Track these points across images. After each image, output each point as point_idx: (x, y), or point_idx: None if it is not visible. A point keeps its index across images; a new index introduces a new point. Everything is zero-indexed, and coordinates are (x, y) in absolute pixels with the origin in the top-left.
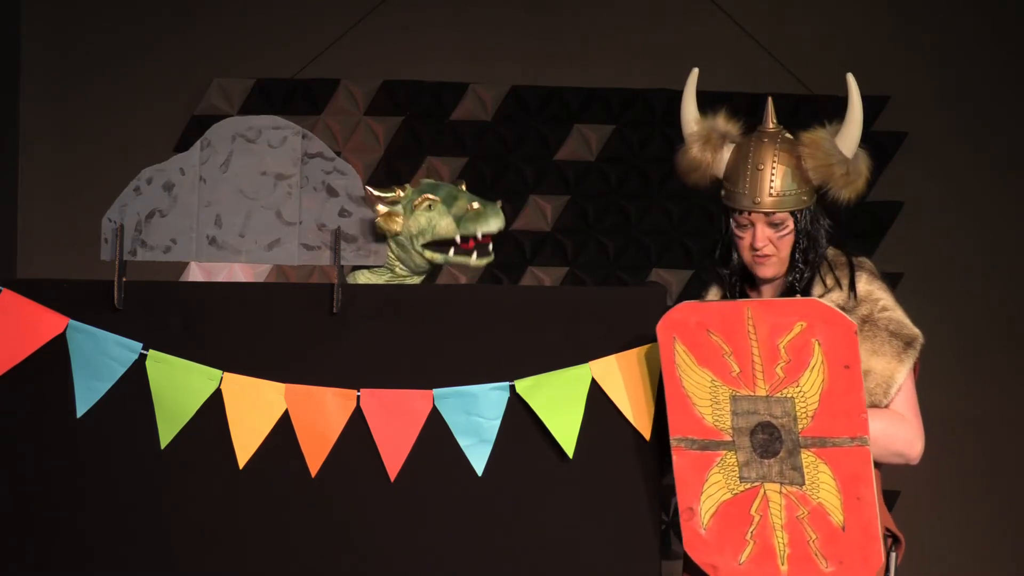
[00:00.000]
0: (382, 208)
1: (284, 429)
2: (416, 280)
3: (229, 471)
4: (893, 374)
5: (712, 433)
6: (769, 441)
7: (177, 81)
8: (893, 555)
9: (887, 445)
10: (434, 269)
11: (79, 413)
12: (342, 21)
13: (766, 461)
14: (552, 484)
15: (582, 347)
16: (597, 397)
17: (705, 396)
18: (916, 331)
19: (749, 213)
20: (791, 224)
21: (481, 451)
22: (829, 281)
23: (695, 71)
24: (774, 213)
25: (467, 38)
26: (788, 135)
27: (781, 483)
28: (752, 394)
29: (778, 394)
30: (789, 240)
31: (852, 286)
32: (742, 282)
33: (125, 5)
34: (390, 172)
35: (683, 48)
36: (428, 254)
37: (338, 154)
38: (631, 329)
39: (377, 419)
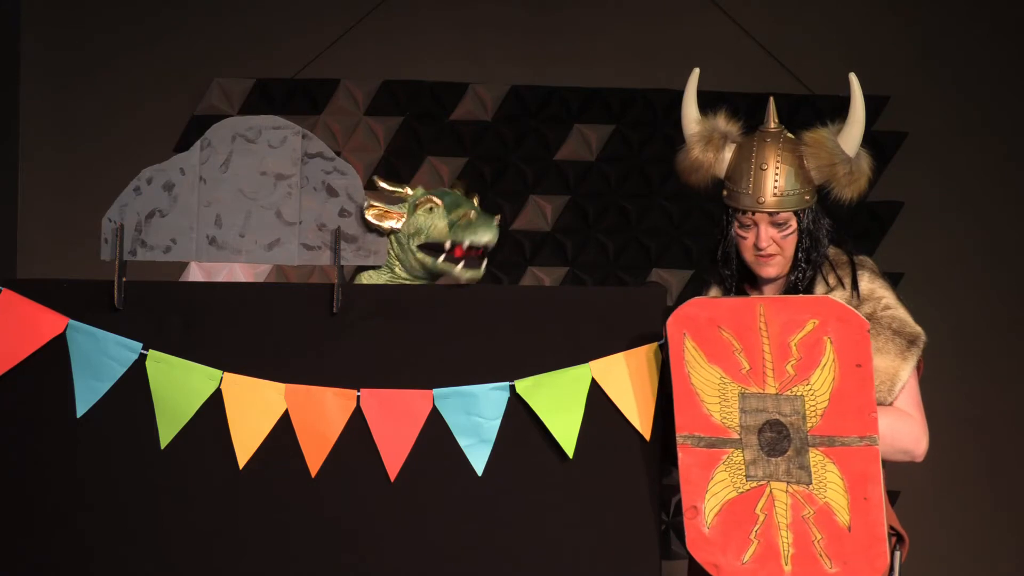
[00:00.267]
0: (376, 205)
1: (284, 429)
2: (415, 283)
3: (229, 471)
4: (897, 372)
5: (719, 431)
6: (777, 439)
7: (177, 81)
8: (897, 554)
9: (893, 443)
10: (429, 275)
11: (79, 413)
12: (342, 21)
13: (773, 460)
14: (552, 484)
15: (582, 347)
16: (597, 397)
17: (713, 393)
18: (919, 329)
19: (753, 213)
20: (794, 224)
21: (481, 451)
22: (831, 280)
23: (696, 71)
24: (778, 213)
25: (467, 38)
26: (790, 135)
27: (788, 482)
28: (761, 392)
29: (788, 392)
30: (792, 240)
31: (855, 285)
32: (742, 282)
33: (125, 5)
34: (390, 172)
35: (683, 48)
36: (420, 255)
37: (338, 154)
38: (631, 329)
39: (377, 419)
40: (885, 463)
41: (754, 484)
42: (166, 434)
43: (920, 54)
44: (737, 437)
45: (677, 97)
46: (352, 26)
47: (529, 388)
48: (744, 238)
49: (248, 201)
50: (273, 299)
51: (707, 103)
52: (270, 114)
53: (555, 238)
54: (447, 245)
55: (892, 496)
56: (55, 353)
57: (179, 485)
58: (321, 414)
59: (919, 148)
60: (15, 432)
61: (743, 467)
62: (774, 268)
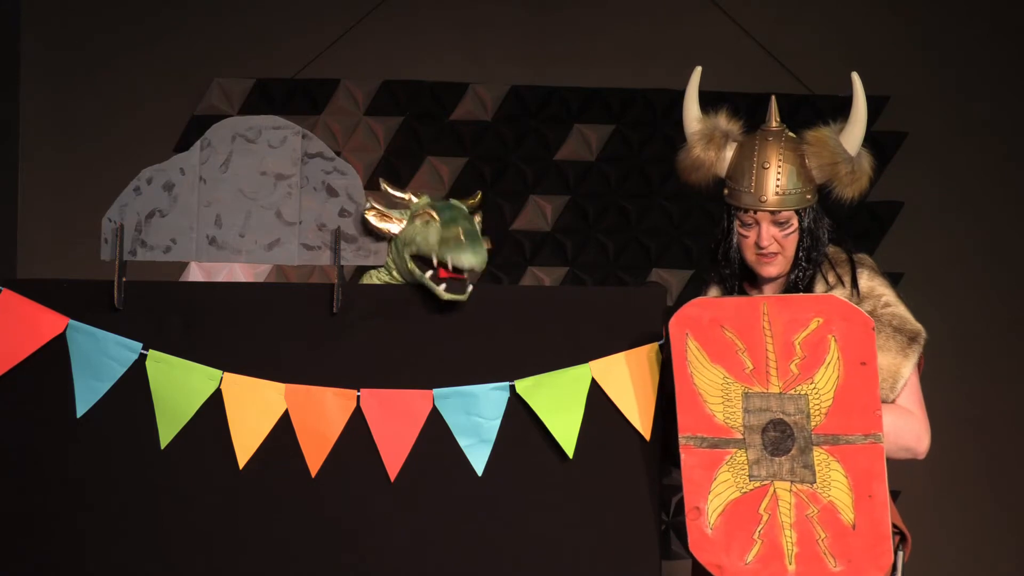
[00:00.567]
0: (376, 207)
1: (284, 429)
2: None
3: (229, 471)
4: (899, 369)
5: (722, 431)
6: (781, 439)
7: (177, 81)
8: (900, 553)
9: (895, 440)
10: (419, 285)
11: (79, 413)
12: (342, 21)
13: (777, 459)
14: (552, 484)
15: (582, 347)
16: (597, 397)
17: (716, 393)
18: (919, 326)
19: (754, 212)
20: (795, 223)
21: (481, 451)
22: (831, 278)
23: (698, 70)
24: (779, 212)
25: (467, 38)
26: (791, 134)
27: (791, 481)
28: (765, 391)
29: (792, 391)
30: (794, 239)
31: (855, 283)
32: (742, 281)
33: (125, 5)
34: (390, 172)
35: (683, 48)
36: (411, 265)
37: (338, 154)
38: (631, 329)
39: (377, 419)
40: (887, 461)
41: (757, 484)
42: (166, 434)
43: (920, 54)
44: (740, 437)
45: (677, 97)
46: (352, 26)
47: (529, 388)
48: (745, 237)
49: (248, 201)
50: (273, 299)
51: (707, 103)
52: (270, 114)
53: (555, 238)
54: (434, 261)
55: (892, 495)
56: (55, 353)
57: (179, 485)
58: (321, 414)
59: (919, 148)
60: (15, 432)
61: (746, 467)
62: (775, 267)
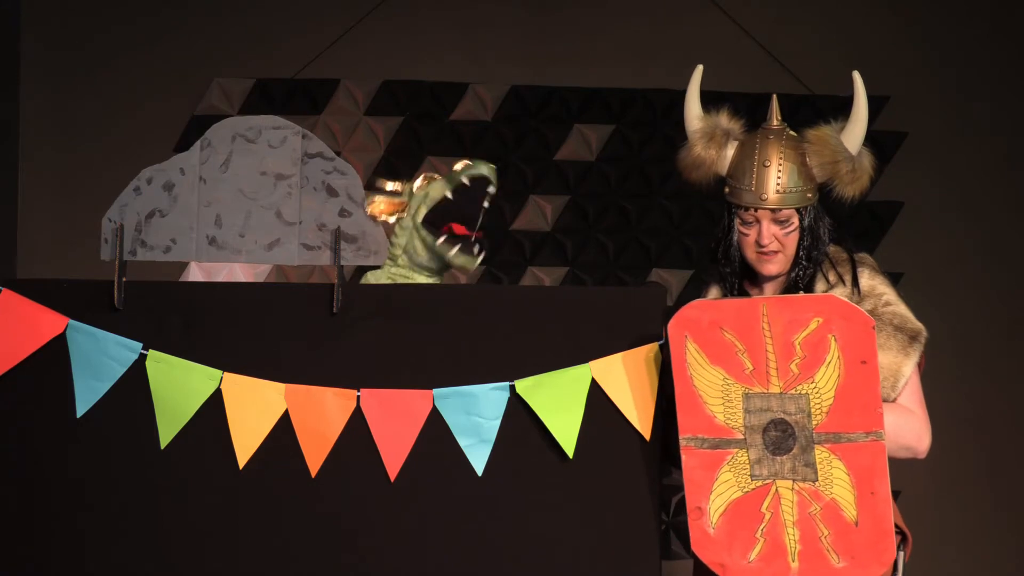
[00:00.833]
0: (378, 199)
1: (284, 429)
2: (418, 278)
3: (229, 471)
4: (900, 368)
5: (723, 431)
6: (782, 438)
7: (177, 81)
8: (901, 553)
9: (896, 439)
10: (430, 260)
11: (79, 413)
12: (342, 21)
13: (778, 458)
14: (552, 484)
15: (582, 347)
16: (597, 397)
17: (716, 394)
18: (920, 325)
19: (755, 210)
20: (796, 221)
21: (481, 451)
22: (831, 277)
23: (699, 68)
24: (780, 210)
25: (467, 38)
26: (792, 132)
27: (793, 480)
28: (765, 391)
29: (792, 391)
30: (794, 237)
31: (855, 282)
32: (743, 280)
33: (125, 5)
34: (390, 172)
35: (683, 48)
36: (423, 233)
37: (338, 154)
38: (631, 329)
39: (377, 419)
40: (888, 460)
41: (759, 483)
42: (166, 434)
43: (920, 54)
44: (741, 437)
45: (677, 97)
46: (352, 26)
47: (529, 388)
48: (746, 235)
49: (248, 201)
50: (273, 299)
51: (707, 103)
52: (270, 114)
53: (555, 238)
54: (448, 195)
55: (892, 496)
56: (55, 353)
57: (179, 485)
58: (321, 414)
59: (919, 148)
60: (15, 432)
61: (748, 467)
62: (775, 265)
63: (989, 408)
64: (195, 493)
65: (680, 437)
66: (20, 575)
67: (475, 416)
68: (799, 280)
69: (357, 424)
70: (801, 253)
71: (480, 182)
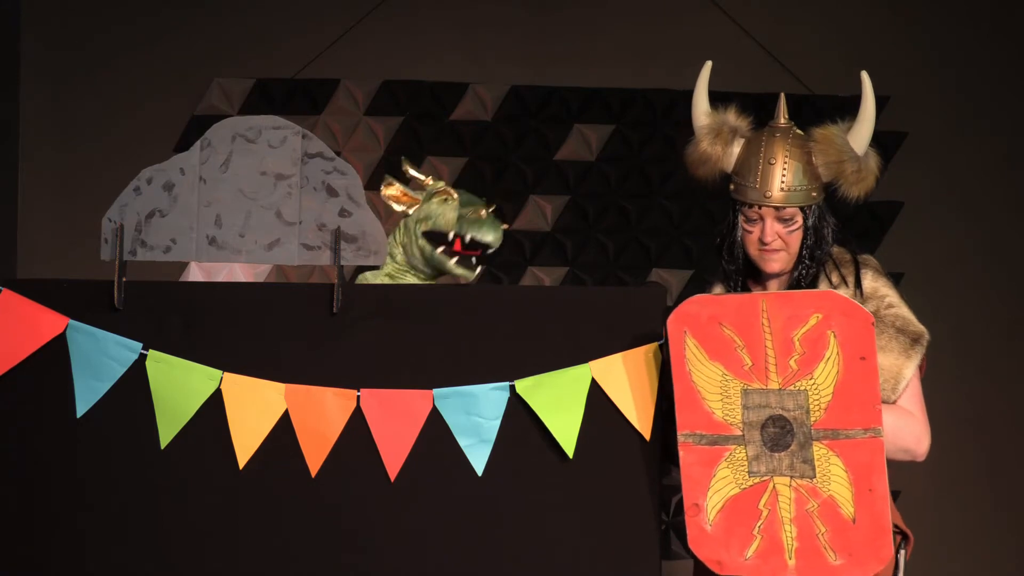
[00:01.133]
0: (395, 183)
1: (284, 429)
2: (410, 278)
3: (229, 471)
4: (901, 370)
5: (721, 428)
6: (780, 434)
7: (177, 81)
8: (902, 552)
9: (895, 441)
10: (425, 265)
11: (79, 413)
12: (342, 21)
13: (776, 455)
14: (552, 484)
15: (582, 347)
16: (597, 397)
17: (715, 390)
18: (922, 328)
19: (759, 207)
20: (800, 220)
21: (481, 451)
22: (834, 278)
23: (708, 64)
24: (784, 208)
25: (467, 38)
26: (799, 131)
27: (791, 476)
28: (764, 387)
29: (791, 387)
30: (798, 236)
31: (858, 283)
32: (746, 278)
33: (125, 5)
34: (390, 172)
35: (683, 48)
36: (422, 242)
37: (338, 154)
38: (631, 329)
39: (377, 419)
40: (887, 462)
41: (757, 480)
42: (166, 434)
43: (920, 54)
44: (739, 433)
45: (677, 97)
46: (352, 26)
47: (529, 388)
48: (750, 232)
49: (248, 201)
50: (273, 299)
51: (711, 102)
52: (270, 114)
53: (555, 238)
54: (450, 236)
55: (892, 496)
56: (55, 353)
57: (179, 485)
58: (321, 414)
59: (919, 148)
60: (15, 432)
61: (746, 463)
62: (778, 263)
63: (989, 408)
64: (195, 493)
65: (678, 433)
66: (20, 575)
67: (475, 416)
68: (801, 279)
69: (357, 424)
70: (804, 252)
71: (480, 244)
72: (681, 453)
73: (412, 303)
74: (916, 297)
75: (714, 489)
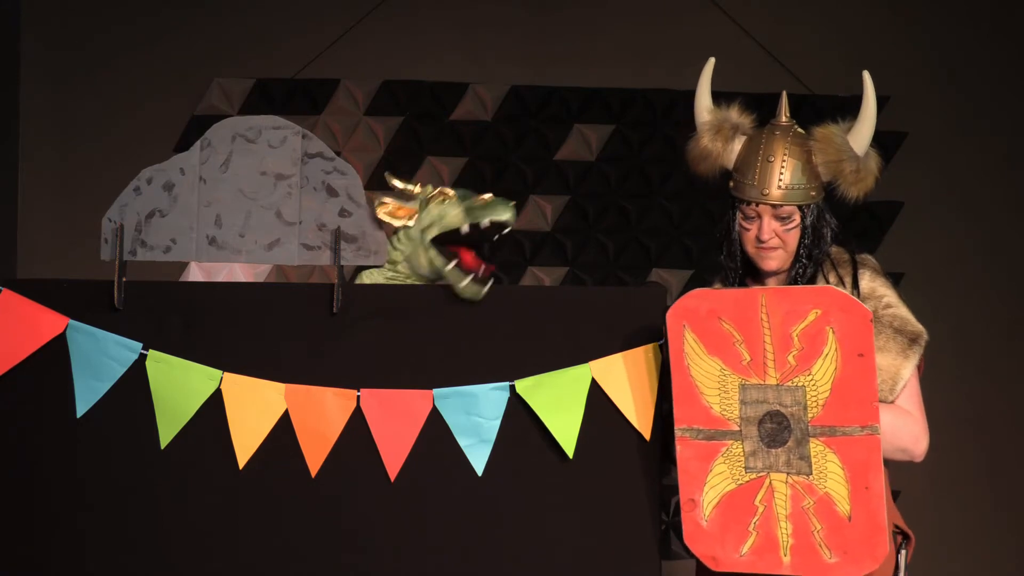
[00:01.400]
0: (387, 202)
1: (284, 429)
2: (417, 281)
3: (229, 471)
4: (899, 371)
5: (719, 423)
6: (777, 430)
7: (177, 81)
8: (903, 553)
9: (893, 440)
10: (433, 276)
11: (79, 413)
12: (342, 21)
13: (773, 451)
14: (552, 484)
15: (582, 347)
16: (597, 397)
17: (713, 385)
18: (920, 328)
19: (757, 204)
20: (798, 218)
21: (481, 451)
22: (832, 278)
23: (711, 61)
24: (781, 206)
25: (467, 38)
26: (800, 130)
27: (788, 473)
28: (762, 383)
29: (789, 383)
30: (795, 234)
31: (855, 283)
32: (746, 276)
33: (125, 5)
34: (391, 172)
35: (683, 48)
36: (432, 254)
37: (338, 154)
38: (631, 329)
39: (377, 419)
40: (886, 462)
41: (753, 476)
42: (166, 434)
43: (920, 54)
44: (737, 429)
45: (677, 97)
46: (352, 26)
47: (529, 388)
48: (747, 230)
49: (248, 201)
50: (273, 299)
51: (713, 100)
52: (270, 114)
53: (555, 238)
54: (465, 228)
55: (892, 496)
56: (55, 353)
57: (179, 485)
58: (321, 414)
59: (919, 148)
60: (15, 432)
61: (742, 459)
62: (775, 261)
63: (989, 408)
64: (195, 493)
65: (676, 427)
66: (20, 575)
67: (475, 416)
68: (798, 278)
69: (357, 424)
70: (802, 251)
71: (499, 226)
72: (678, 447)
73: (412, 303)
74: (916, 297)
75: (710, 484)
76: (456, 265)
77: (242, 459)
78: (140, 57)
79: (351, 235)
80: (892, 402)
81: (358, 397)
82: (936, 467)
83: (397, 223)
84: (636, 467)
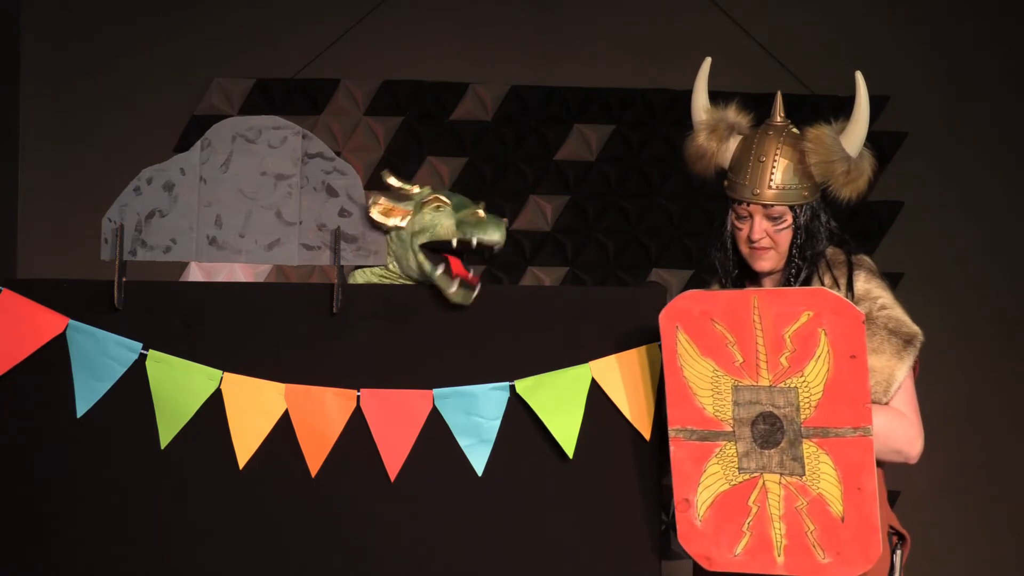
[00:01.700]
0: (381, 202)
1: (284, 429)
2: (407, 282)
3: (229, 471)
4: (893, 372)
5: (712, 424)
6: (770, 431)
7: (177, 81)
8: (899, 553)
9: (887, 442)
10: (424, 279)
11: (79, 413)
12: (342, 21)
13: (766, 452)
14: (552, 484)
15: (582, 347)
16: (597, 397)
17: (706, 386)
18: (916, 329)
19: (748, 204)
20: (790, 219)
21: (481, 451)
22: (827, 280)
23: (707, 60)
24: (773, 206)
25: (467, 38)
26: (795, 130)
27: (781, 474)
28: (755, 384)
29: (781, 384)
30: (787, 235)
31: (850, 285)
32: (742, 276)
33: (125, 5)
34: (391, 172)
35: (683, 48)
36: (420, 257)
37: (338, 154)
38: (631, 329)
39: (377, 419)
40: (882, 464)
41: (747, 476)
42: (166, 434)
43: (920, 54)
44: (730, 430)
45: (677, 97)
46: (352, 26)
47: (529, 388)
48: (740, 229)
49: (248, 201)
50: (273, 299)
51: (711, 101)
52: (270, 114)
53: (555, 238)
54: (453, 243)
55: (892, 496)
56: (55, 353)
57: (179, 485)
58: (321, 414)
59: (919, 148)
60: (15, 432)
61: (736, 459)
62: (767, 262)
63: (989, 408)
64: (195, 493)
65: (669, 428)
66: (20, 575)
67: (475, 416)
68: (792, 279)
69: (357, 424)
70: (794, 251)
71: (488, 245)
72: (672, 448)
73: (412, 303)
74: (916, 297)
75: (704, 485)
76: (444, 271)
77: (242, 459)
78: (140, 57)
79: (351, 235)
80: (887, 403)
81: (358, 397)
82: (935, 467)
83: (390, 223)
84: (636, 467)
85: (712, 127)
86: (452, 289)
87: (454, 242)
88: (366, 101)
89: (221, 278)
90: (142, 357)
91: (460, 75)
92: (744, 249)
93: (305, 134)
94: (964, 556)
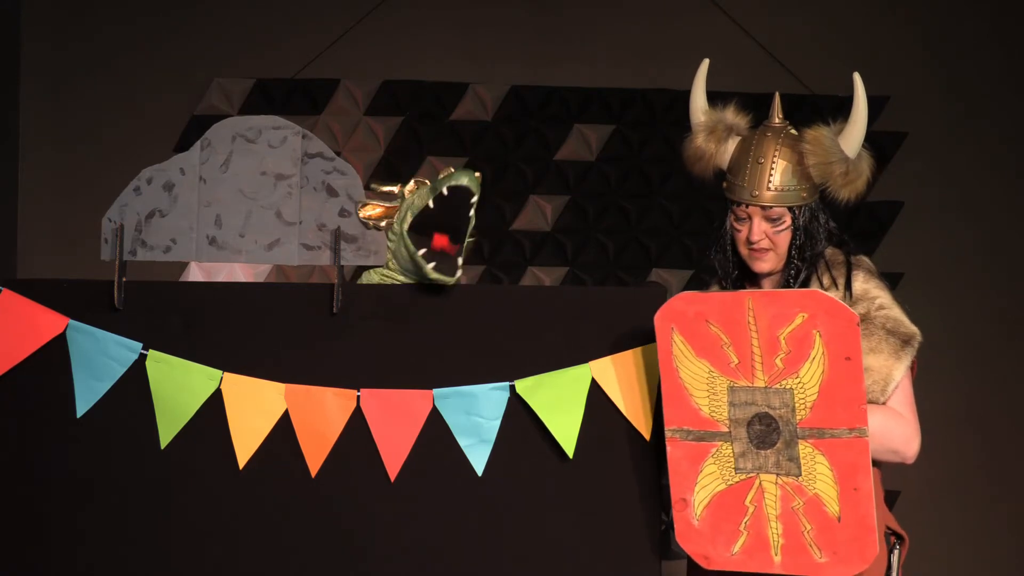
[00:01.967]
0: (368, 203)
1: (284, 429)
2: (408, 280)
3: (229, 471)
4: (890, 372)
5: (708, 424)
6: (766, 432)
7: (177, 81)
8: (896, 554)
9: (884, 442)
10: (417, 269)
11: (79, 413)
12: (342, 21)
13: (762, 452)
14: (552, 484)
15: (582, 347)
16: (597, 397)
17: (702, 387)
18: (914, 329)
19: (747, 206)
20: (788, 220)
21: (481, 451)
22: (826, 280)
23: (706, 61)
24: (771, 208)
25: (467, 38)
26: (793, 131)
27: (777, 474)
28: (750, 385)
29: (777, 385)
30: (786, 236)
31: (848, 285)
32: (742, 278)
33: (125, 5)
34: (390, 172)
35: (683, 48)
36: (407, 241)
37: (338, 154)
38: (631, 329)
39: (377, 419)
40: (880, 464)
41: (743, 476)
42: (166, 434)
43: (920, 54)
44: (726, 430)
45: (677, 97)
46: (352, 26)
47: (529, 388)
48: (739, 231)
49: (248, 201)
50: (273, 299)
51: (709, 101)
52: (270, 114)
53: (555, 238)
54: (430, 203)
55: (892, 496)
56: (55, 353)
57: (179, 485)
58: (321, 414)
59: (919, 148)
60: (15, 432)
61: (732, 460)
62: (766, 263)
63: (989, 408)
64: (195, 493)
65: (666, 428)
66: (20, 575)
67: (475, 416)
68: (791, 280)
69: (357, 424)
70: (793, 252)
71: (461, 192)
72: (669, 448)
73: (412, 303)
74: (916, 297)
75: (701, 485)
76: (426, 252)
77: (242, 459)
78: (140, 57)
79: (351, 235)
80: (884, 403)
81: (358, 397)
82: (935, 467)
83: (380, 223)
84: (636, 467)
85: (710, 128)
86: (429, 267)
87: (431, 203)
88: (366, 101)
89: (221, 278)
90: (142, 357)
91: (460, 75)
92: (743, 250)
93: (305, 134)
94: (964, 556)
